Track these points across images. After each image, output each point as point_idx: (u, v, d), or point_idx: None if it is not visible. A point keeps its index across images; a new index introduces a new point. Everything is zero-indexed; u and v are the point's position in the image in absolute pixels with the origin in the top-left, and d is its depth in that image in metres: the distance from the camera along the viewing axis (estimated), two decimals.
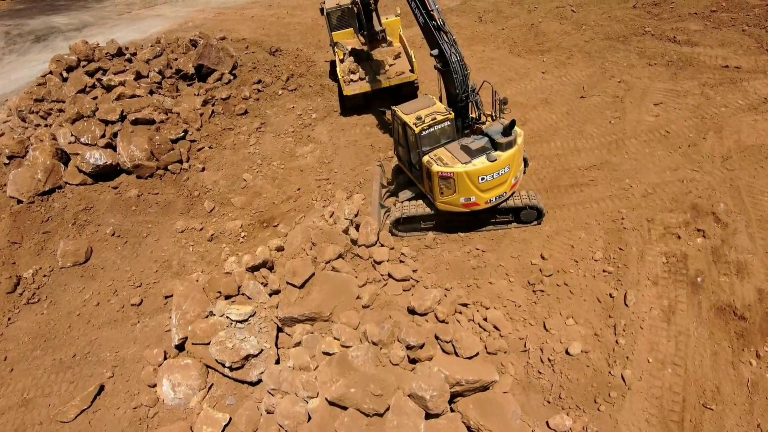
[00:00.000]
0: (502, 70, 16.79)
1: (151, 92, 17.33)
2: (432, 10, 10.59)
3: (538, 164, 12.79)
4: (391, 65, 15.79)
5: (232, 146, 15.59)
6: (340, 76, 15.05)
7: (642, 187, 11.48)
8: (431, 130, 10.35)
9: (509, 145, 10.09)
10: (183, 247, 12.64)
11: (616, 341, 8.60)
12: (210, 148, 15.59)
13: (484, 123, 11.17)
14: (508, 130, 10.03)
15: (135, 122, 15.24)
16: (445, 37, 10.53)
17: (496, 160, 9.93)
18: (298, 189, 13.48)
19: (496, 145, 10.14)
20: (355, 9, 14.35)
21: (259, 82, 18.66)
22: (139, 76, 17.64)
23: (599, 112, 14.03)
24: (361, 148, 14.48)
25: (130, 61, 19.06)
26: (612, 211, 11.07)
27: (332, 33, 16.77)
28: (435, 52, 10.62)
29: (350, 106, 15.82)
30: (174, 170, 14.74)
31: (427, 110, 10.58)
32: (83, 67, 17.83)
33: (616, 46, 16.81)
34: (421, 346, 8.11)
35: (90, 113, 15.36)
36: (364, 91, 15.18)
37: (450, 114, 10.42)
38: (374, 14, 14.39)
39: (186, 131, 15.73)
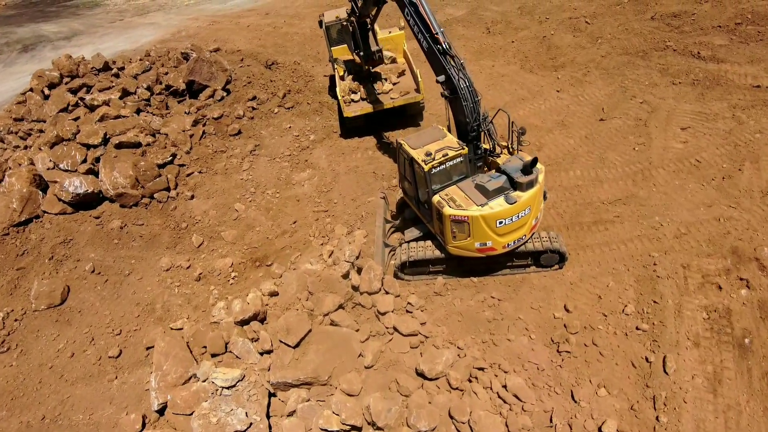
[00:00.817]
0: (514, 88, 15.68)
1: (139, 111, 16.25)
2: (436, 33, 9.52)
3: (557, 196, 11.68)
4: (395, 83, 14.69)
5: (224, 171, 14.48)
6: (339, 97, 13.95)
7: (674, 226, 10.37)
8: (442, 167, 9.25)
9: (530, 184, 8.99)
10: (168, 287, 11.54)
11: (657, 418, 7.49)
12: (200, 173, 14.48)
13: (498, 155, 10.07)
14: (529, 168, 8.93)
15: (119, 146, 14.15)
16: (452, 62, 9.47)
17: (515, 202, 8.82)
18: (294, 222, 12.38)
19: (515, 185, 9.04)
20: (350, 27, 13.26)
21: (254, 98, 17.56)
22: (125, 93, 16.55)
23: (621, 137, 12.92)
24: (363, 175, 13.37)
25: (117, 76, 17.97)
26: (642, 254, 9.96)
27: (331, 48, 15.67)
28: (441, 78, 9.55)
29: (351, 127, 14.72)
30: (161, 199, 13.64)
31: (436, 144, 9.48)
32: (66, 83, 16.74)
33: (635, 62, 15.70)
34: (433, 430, 7.02)
35: (71, 136, 14.26)
36: (366, 113, 14.07)
37: (463, 149, 9.31)
38: (370, 33, 13.33)
39: (174, 155, 14.62)
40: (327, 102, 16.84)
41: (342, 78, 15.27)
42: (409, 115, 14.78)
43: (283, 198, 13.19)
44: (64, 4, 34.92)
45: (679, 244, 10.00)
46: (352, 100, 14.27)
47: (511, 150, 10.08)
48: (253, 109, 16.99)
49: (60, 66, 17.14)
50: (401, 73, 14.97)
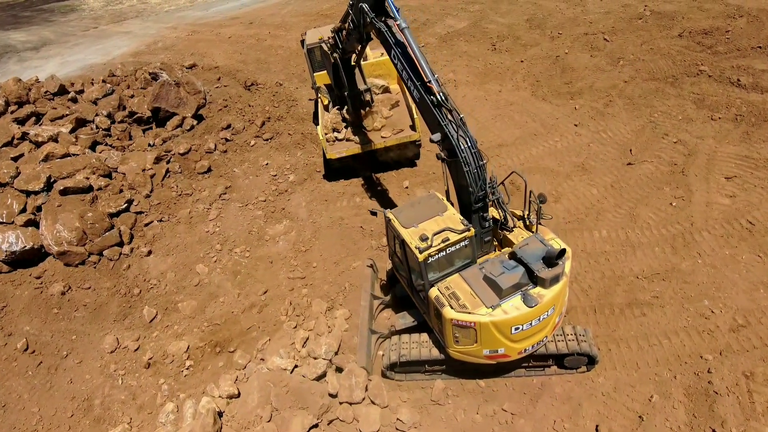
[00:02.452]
0: (524, 120, 13.61)
1: (95, 144, 14.23)
2: (429, 81, 7.51)
3: (581, 265, 9.67)
4: (387, 117, 12.62)
5: (188, 220, 12.45)
6: (321, 136, 11.90)
7: (728, 315, 8.37)
8: (442, 254, 7.23)
9: (555, 279, 6.98)
10: (111, 376, 9.55)
11: None
12: (160, 221, 12.45)
13: (511, 229, 8.04)
14: (554, 260, 6.91)
15: (65, 192, 12.13)
16: (449, 116, 7.46)
17: (536, 304, 6.81)
18: (265, 292, 10.37)
19: (535, 279, 7.02)
20: (332, 60, 11.20)
21: (229, 127, 15.51)
22: (80, 123, 14.51)
23: (655, 188, 10.89)
24: (348, 230, 11.35)
25: (74, 101, 15.91)
26: (691, 354, 7.97)
27: (314, 74, 13.60)
28: (436, 137, 7.57)
29: (336, 168, 12.67)
30: (112, 256, 11.62)
31: (434, 223, 7.45)
32: (12, 112, 14.66)
33: (665, 90, 13.63)
34: None
35: (9, 180, 12.22)
36: (353, 154, 12.03)
37: (469, 230, 7.28)
38: (357, 69, 11.35)
39: (131, 201, 12.59)
40: (310, 133, 14.78)
41: (326, 108, 13.22)
42: (403, 154, 12.74)
43: (253, 258, 11.16)
44: (39, 8, 32.76)
45: (738, 342, 8.00)
46: (336, 139, 12.22)
47: (528, 222, 8.06)
48: (227, 140, 14.94)
49: (7, 91, 15.06)
50: (395, 105, 12.91)
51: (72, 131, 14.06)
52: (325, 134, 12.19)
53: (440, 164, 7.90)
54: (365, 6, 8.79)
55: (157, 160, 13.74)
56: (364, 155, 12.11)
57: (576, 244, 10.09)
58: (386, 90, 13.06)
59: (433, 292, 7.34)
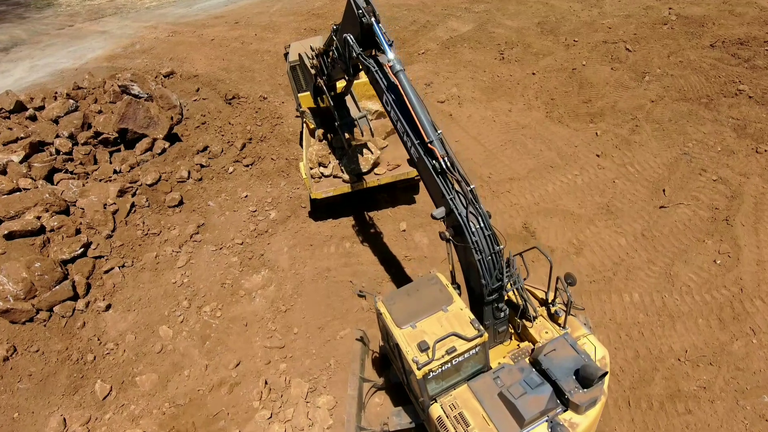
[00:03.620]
0: (539, 148, 11.96)
1: (53, 171, 12.61)
2: (430, 142, 5.89)
3: (611, 340, 8.13)
4: (382, 148, 10.97)
5: (154, 266, 10.88)
6: (304, 174, 10.26)
7: None
8: (447, 366, 5.67)
9: (591, 403, 5.44)
10: None
11: None
12: (122, 268, 10.89)
13: (532, 318, 6.48)
14: (591, 380, 5.37)
15: (10, 236, 10.57)
16: (457, 188, 5.86)
17: None
18: (238, 364, 8.85)
19: (565, 401, 5.49)
20: (318, 84, 9.53)
21: (206, 149, 13.87)
22: (35, 148, 12.86)
23: (694, 239, 9.31)
24: (336, 285, 9.79)
25: (33, 118, 14.22)
26: None
27: (299, 95, 11.89)
28: (439, 213, 5.98)
29: (322, 205, 11.07)
30: (64, 313, 10.07)
31: (436, 321, 5.89)
32: None
33: (698, 114, 11.96)
34: None
35: None
36: (342, 193, 10.41)
37: (481, 336, 5.71)
38: (350, 96, 9.69)
39: (88, 244, 11.01)
40: (295, 158, 13.13)
41: (312, 133, 11.56)
42: (400, 190, 11.13)
43: (225, 319, 9.62)
44: (15, 2, 30.70)
45: None
46: (323, 175, 10.58)
47: (552, 308, 6.49)
48: (202, 166, 13.30)
49: None
50: (390, 132, 11.24)
51: (24, 159, 12.40)
52: (311, 169, 10.55)
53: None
54: (350, 38, 7.11)
55: (121, 193, 12.11)
56: (355, 194, 10.49)
57: (603, 310, 8.54)
58: (381, 115, 11.38)
59: (435, 410, 5.81)
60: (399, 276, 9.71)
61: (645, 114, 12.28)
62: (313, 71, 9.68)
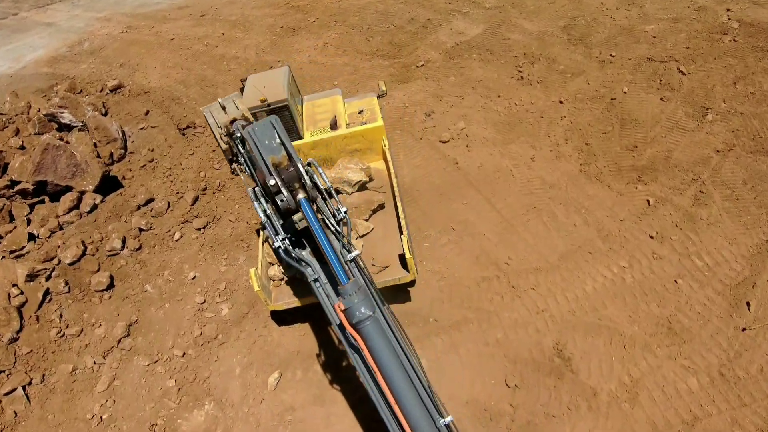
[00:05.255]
0: (573, 222, 9.15)
1: None
2: None
3: None
4: (364, 236, 8.16)
5: (69, 385, 8.31)
6: (256, 286, 7.48)
7: None
8: None
9: None
10: None
11: None
12: (27, 386, 8.33)
13: None
14: None
15: None
16: None
17: None
18: None
19: None
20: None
21: (148, 203, 11.07)
22: None
23: None
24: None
25: None
26: None
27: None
28: None
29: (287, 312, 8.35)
30: None
31: None
32: None
33: None
34: None
35: None
36: (308, 304, 7.68)
37: None
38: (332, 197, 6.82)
39: None
40: (258, 220, 10.32)
41: (264, 227, 8.72)
42: (390, 288, 8.39)
43: None
44: None
45: None
46: (283, 276, 7.83)
47: None
48: (142, 230, 10.53)
49: None
50: (377, 209, 8.41)
51: None
52: (270, 265, 7.79)
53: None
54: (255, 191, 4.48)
55: (31, 277, 9.40)
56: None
57: None
58: (363, 186, 8.52)
59: None
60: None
61: (711, 172, 9.42)
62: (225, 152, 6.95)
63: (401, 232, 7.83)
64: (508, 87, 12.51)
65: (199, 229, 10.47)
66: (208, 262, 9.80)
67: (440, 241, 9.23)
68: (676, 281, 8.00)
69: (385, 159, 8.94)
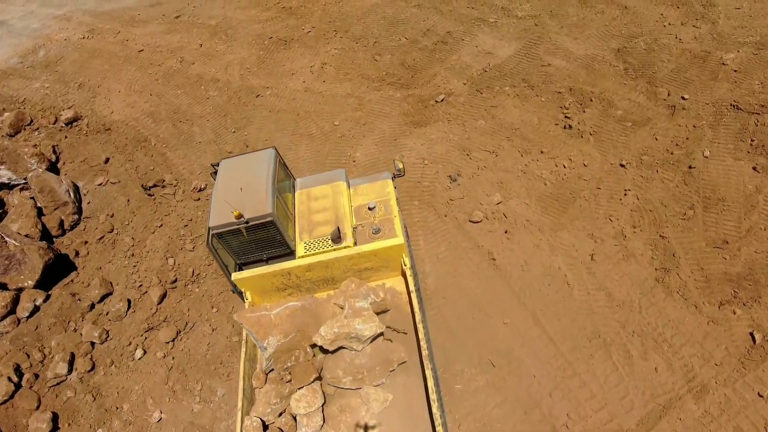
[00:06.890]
0: (653, 365, 6.94)
1: None
2: None
3: None
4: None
5: None
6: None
7: None
8: None
9: None
10: None
11: None
12: None
13: None
14: None
15: None
16: None
17: None
18: None
19: None
20: None
21: (103, 300, 8.87)
22: None
23: None
24: None
25: None
26: None
27: (231, 275, 6.70)
28: None
29: None
30: None
31: None
32: None
33: None
34: None
35: None
36: None
37: None
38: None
39: None
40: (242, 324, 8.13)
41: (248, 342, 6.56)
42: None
43: None
44: None
45: None
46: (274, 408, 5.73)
47: None
48: (94, 344, 8.35)
49: None
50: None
51: None
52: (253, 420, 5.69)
53: None
54: None
55: None
56: None
57: None
58: (376, 337, 6.25)
59: None
60: None
61: None
62: None
63: (430, 411, 5.68)
64: (552, 139, 10.00)
65: (167, 342, 8.29)
66: (177, 396, 7.68)
67: (476, 383, 7.09)
68: None
69: (407, 287, 6.63)
